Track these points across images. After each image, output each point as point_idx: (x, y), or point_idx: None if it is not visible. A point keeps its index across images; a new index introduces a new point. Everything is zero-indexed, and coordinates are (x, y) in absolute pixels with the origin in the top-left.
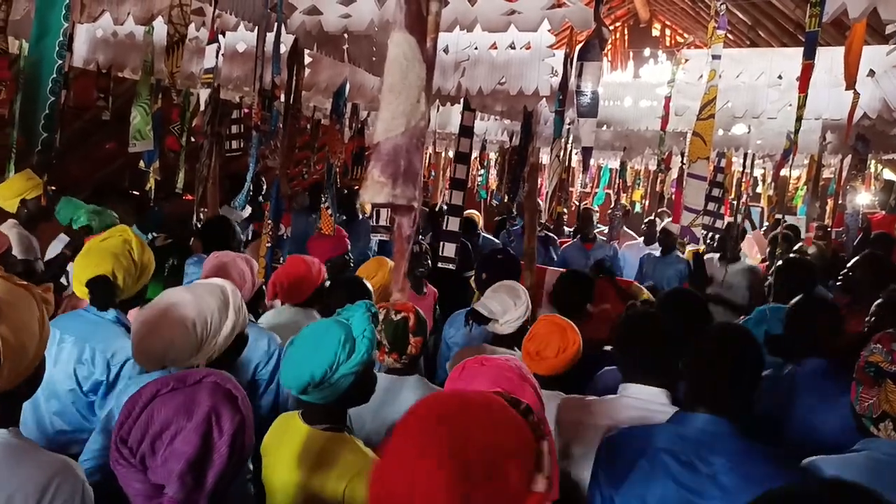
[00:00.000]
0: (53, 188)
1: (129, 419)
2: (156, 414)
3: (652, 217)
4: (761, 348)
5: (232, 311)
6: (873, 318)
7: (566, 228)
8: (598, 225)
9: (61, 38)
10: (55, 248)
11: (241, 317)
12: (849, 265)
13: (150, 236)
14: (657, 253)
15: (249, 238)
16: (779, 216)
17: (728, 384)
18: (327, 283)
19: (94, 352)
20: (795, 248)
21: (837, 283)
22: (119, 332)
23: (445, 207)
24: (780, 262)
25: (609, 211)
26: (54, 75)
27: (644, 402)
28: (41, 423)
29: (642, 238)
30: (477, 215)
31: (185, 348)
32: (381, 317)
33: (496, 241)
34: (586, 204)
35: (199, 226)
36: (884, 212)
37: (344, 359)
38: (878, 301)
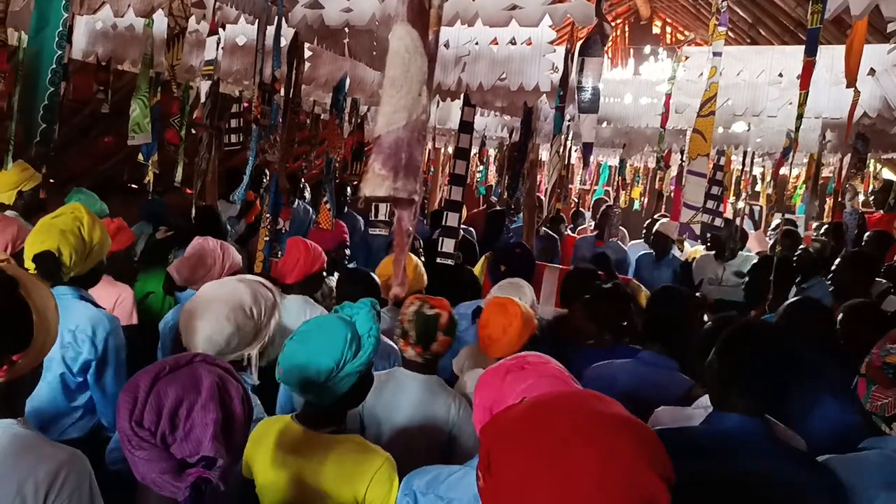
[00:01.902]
0: (52, 181)
1: (138, 404)
2: (163, 395)
3: (653, 218)
4: (793, 346)
5: (278, 305)
6: (840, 329)
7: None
8: (591, 222)
9: (61, 29)
10: None
11: (280, 312)
12: (833, 267)
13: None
14: (653, 254)
15: (242, 232)
16: (778, 215)
17: (760, 384)
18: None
19: (73, 334)
20: (800, 247)
21: (829, 287)
22: (84, 306)
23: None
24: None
25: (605, 208)
26: (54, 66)
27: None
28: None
29: (643, 240)
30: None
31: (248, 333)
32: (413, 309)
33: (471, 229)
34: (608, 202)
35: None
36: (882, 211)
37: (350, 357)
38: (843, 308)
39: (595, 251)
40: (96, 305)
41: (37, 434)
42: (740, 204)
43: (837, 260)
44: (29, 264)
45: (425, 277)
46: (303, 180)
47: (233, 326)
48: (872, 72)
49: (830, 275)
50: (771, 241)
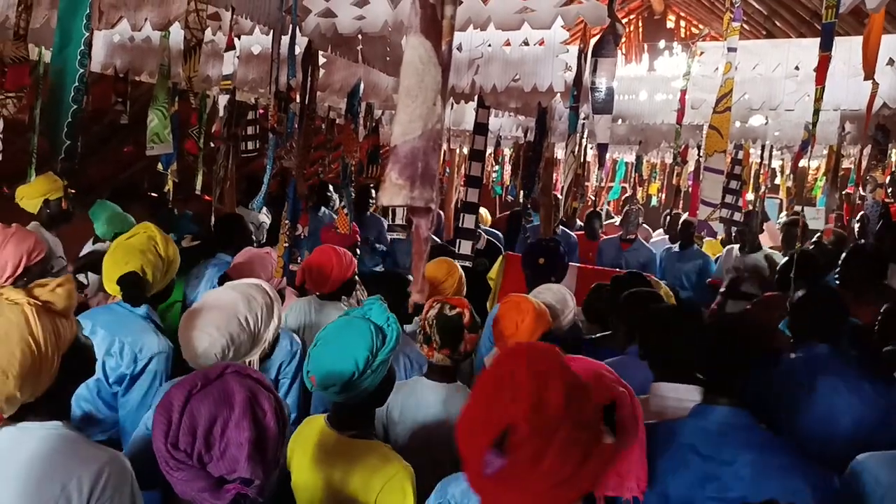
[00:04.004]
0: (73, 191)
1: (173, 425)
2: (197, 413)
3: (677, 210)
4: (773, 339)
5: (277, 307)
6: (879, 327)
7: (579, 222)
8: (613, 215)
9: (83, 47)
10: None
11: (281, 314)
12: (841, 261)
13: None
14: (676, 248)
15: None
16: (798, 208)
17: (746, 375)
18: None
19: (122, 345)
20: (813, 238)
21: (836, 280)
22: (148, 328)
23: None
24: (794, 253)
25: (624, 205)
26: (77, 83)
27: (676, 399)
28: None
29: (666, 234)
30: (482, 215)
31: (244, 344)
32: (434, 313)
33: (498, 233)
34: (632, 202)
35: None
36: None
37: (381, 344)
38: (884, 308)
39: (621, 253)
40: (160, 328)
41: (81, 436)
42: (750, 196)
43: (843, 254)
44: (112, 287)
45: (465, 285)
46: (330, 187)
47: (226, 338)
48: (891, 62)
49: (837, 272)
50: (781, 235)
